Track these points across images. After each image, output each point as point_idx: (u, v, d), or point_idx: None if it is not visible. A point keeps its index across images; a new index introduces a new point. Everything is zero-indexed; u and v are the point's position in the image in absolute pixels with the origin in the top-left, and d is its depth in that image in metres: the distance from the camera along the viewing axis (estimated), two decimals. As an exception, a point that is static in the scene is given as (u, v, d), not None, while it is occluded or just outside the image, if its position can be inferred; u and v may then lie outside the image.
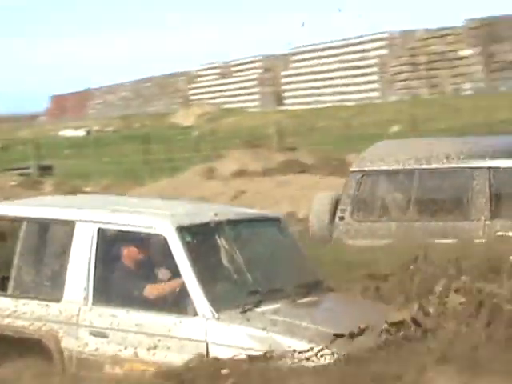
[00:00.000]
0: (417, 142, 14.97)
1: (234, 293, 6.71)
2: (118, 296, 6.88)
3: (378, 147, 12.73)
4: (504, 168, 10.85)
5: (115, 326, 6.59)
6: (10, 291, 7.15)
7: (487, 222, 10.49)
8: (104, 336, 6.62)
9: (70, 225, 7.10)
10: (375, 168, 11.74)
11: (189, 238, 6.65)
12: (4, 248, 7.69)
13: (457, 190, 11.28)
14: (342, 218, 11.49)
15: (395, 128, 35.72)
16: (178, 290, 6.58)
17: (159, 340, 6.38)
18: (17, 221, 7.45)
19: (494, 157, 10.87)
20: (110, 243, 7.08)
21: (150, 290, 6.69)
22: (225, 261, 6.79)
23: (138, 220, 7.02)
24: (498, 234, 10.32)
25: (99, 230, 6.97)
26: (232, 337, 6.17)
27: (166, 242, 6.67)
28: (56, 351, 6.70)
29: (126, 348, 6.49)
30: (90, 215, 7.15)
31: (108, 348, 6.56)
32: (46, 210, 7.56)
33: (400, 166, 11.54)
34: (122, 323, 6.58)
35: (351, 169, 12.13)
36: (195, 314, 6.34)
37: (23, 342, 6.79)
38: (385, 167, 11.69)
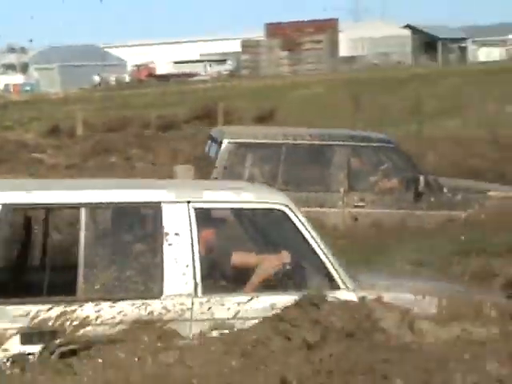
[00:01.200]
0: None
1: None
2: (233, 281, 6.45)
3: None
4: (362, 146, 13.27)
5: (243, 313, 6.16)
6: (79, 294, 6.05)
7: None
8: (224, 327, 6.12)
9: (152, 207, 6.36)
10: (247, 141, 13.07)
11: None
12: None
13: (319, 164, 13.25)
14: None
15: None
16: (294, 265, 6.46)
17: None
18: (73, 208, 6.44)
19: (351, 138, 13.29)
20: (210, 224, 6.64)
21: (266, 269, 6.43)
22: None
23: (246, 196, 6.63)
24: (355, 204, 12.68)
25: (197, 210, 6.35)
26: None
27: (284, 217, 6.46)
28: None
29: None
30: (183, 194, 6.43)
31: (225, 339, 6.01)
32: (113, 193, 6.49)
33: (269, 140, 13.12)
34: (249, 310, 6.19)
35: (225, 140, 12.59)
36: (337, 288, 6.35)
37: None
38: (255, 140, 13.20)
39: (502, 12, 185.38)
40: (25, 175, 16.04)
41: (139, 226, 6.67)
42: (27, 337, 5.80)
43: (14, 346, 5.75)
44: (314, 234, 6.45)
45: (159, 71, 75.63)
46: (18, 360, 5.69)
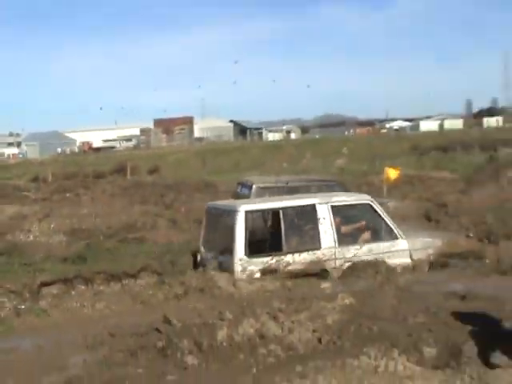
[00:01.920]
0: None
1: None
2: (349, 240, 12.61)
3: None
4: (325, 185, 18.32)
5: (360, 253, 12.33)
6: (285, 250, 12.03)
7: None
8: (351, 261, 12.20)
9: (313, 207, 12.41)
10: (265, 185, 18.34)
11: None
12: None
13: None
14: None
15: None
16: (377, 229, 12.98)
17: (388, 255, 12.41)
18: (276, 210, 12.46)
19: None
20: (337, 213, 12.57)
21: (365, 233, 12.88)
22: None
23: (350, 198, 13.62)
24: None
25: (332, 206, 12.50)
26: (414, 244, 12.89)
27: (372, 208, 12.90)
28: (331, 271, 12.01)
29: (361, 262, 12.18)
30: (324, 199, 12.74)
31: (352, 266, 12.09)
32: (297, 201, 13.00)
33: (276, 184, 18.29)
34: (360, 252, 12.33)
35: (254, 185, 18.15)
36: (397, 238, 12.79)
37: (309, 274, 11.70)
38: (270, 185, 18.44)
39: (282, 111, 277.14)
40: (18, 205, 23.66)
41: (308, 215, 12.43)
42: (263, 272, 11.73)
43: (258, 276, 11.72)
44: (384, 213, 12.90)
45: (95, 145, 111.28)
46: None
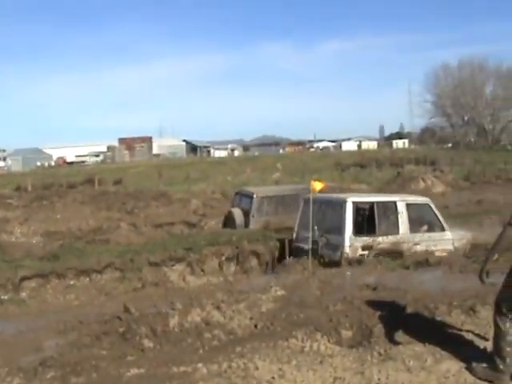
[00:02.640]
0: None
1: None
2: (416, 229, 13.76)
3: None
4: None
5: (423, 239, 13.48)
6: (377, 233, 13.51)
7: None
8: (417, 244, 13.20)
9: (394, 203, 13.95)
10: (264, 195, 19.22)
11: None
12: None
13: (294, 202, 17.69)
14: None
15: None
16: (431, 224, 14.09)
17: (439, 242, 13.54)
18: (371, 203, 14.08)
19: None
20: (409, 209, 13.91)
21: (424, 225, 14.11)
22: None
23: (416, 198, 15.19)
24: None
25: (407, 204, 13.98)
26: (455, 235, 14.09)
27: (430, 207, 14.16)
28: (406, 252, 12.78)
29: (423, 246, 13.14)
30: (402, 198, 14.54)
31: (417, 247, 13.01)
32: (382, 198, 15.17)
33: (273, 194, 19.39)
34: (422, 239, 13.46)
35: (254, 195, 18.91)
36: (446, 230, 14.00)
37: (392, 252, 12.71)
38: (267, 194, 19.37)
39: (227, 133, 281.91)
40: (2, 210, 23.16)
41: (391, 209, 13.91)
42: (363, 248, 13.16)
43: (359, 252, 13.06)
44: (438, 212, 14.11)
45: (68, 160, 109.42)
46: (359, 258, 12.69)
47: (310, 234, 13.43)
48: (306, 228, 14.03)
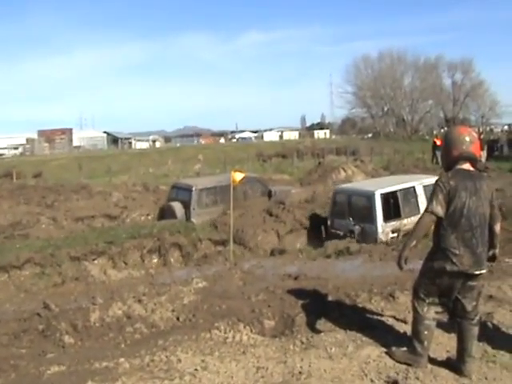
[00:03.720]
0: None
1: None
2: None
3: None
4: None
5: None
6: (402, 216, 15.52)
7: None
8: None
9: (413, 187, 16.08)
10: (203, 187, 19.54)
11: None
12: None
13: (226, 191, 17.49)
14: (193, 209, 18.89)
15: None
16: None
17: None
18: (395, 191, 15.94)
19: None
20: (426, 190, 15.19)
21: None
22: None
23: (430, 179, 15.08)
24: None
25: (423, 186, 15.75)
26: None
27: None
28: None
29: None
30: (419, 182, 16.21)
31: None
32: (404, 185, 16.39)
33: (210, 185, 19.62)
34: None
35: (193, 187, 19.23)
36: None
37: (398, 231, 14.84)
38: (206, 186, 19.65)
39: (149, 124, 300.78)
40: None
41: (412, 193, 15.92)
42: (393, 231, 15.29)
43: (390, 235, 15.04)
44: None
45: None
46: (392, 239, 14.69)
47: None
48: (339, 216, 16.47)
